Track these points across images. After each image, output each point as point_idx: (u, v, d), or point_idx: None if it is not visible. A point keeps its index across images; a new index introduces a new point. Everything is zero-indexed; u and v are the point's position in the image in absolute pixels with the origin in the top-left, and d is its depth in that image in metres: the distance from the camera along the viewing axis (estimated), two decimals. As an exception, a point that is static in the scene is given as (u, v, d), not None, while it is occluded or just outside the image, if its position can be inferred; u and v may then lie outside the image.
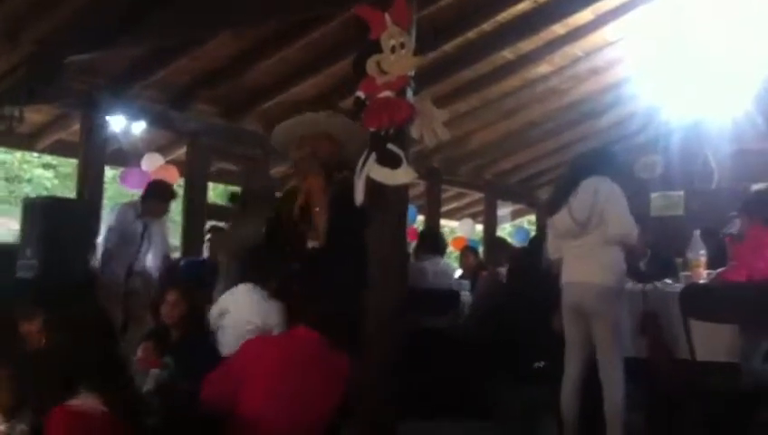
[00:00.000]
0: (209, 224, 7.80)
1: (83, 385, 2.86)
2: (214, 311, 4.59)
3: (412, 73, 4.49)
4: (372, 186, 4.33)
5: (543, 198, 11.89)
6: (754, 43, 7.27)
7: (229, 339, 4.33)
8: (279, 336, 4.00)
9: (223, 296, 4.66)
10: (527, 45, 7.73)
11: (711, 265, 4.79)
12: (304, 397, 3.20)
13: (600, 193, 4.07)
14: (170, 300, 4.72)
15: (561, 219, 4.21)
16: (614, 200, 4.07)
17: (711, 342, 4.01)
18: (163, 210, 6.55)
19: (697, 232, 4.88)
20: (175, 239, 8.47)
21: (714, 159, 9.71)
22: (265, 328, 4.33)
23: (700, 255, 4.73)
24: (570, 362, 4.24)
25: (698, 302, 3.93)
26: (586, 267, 4.10)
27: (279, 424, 3.14)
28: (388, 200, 4.33)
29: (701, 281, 4.57)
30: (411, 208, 10.32)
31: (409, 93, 4.45)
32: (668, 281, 4.75)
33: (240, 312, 4.45)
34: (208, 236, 7.29)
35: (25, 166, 14.23)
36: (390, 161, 4.26)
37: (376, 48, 4.41)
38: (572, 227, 4.14)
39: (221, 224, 7.85)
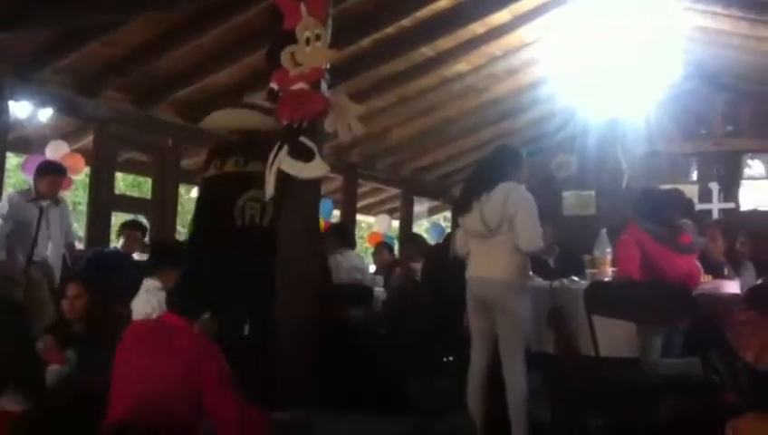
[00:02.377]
0: (125, 218, 7.60)
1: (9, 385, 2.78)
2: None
3: (327, 66, 4.45)
4: (283, 178, 4.27)
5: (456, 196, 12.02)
6: (666, 47, 7.48)
7: None
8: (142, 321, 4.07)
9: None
10: (446, 43, 7.77)
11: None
12: (140, 377, 3.29)
13: (510, 201, 4.09)
14: (71, 293, 4.59)
15: (471, 220, 4.22)
16: (525, 210, 4.09)
17: (614, 337, 4.10)
18: (54, 190, 6.28)
19: (604, 231, 4.97)
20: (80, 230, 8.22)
21: (625, 160, 9.97)
22: None
23: (606, 253, 4.84)
24: (475, 354, 4.28)
25: (600, 299, 4.01)
26: (491, 263, 4.14)
27: (123, 403, 3.29)
28: (299, 193, 4.28)
29: (606, 278, 4.67)
30: (327, 203, 10.27)
31: (324, 86, 4.40)
32: (575, 278, 4.83)
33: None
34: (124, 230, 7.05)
35: None
36: (302, 154, 4.22)
37: (290, 39, 4.35)
38: (482, 230, 4.16)
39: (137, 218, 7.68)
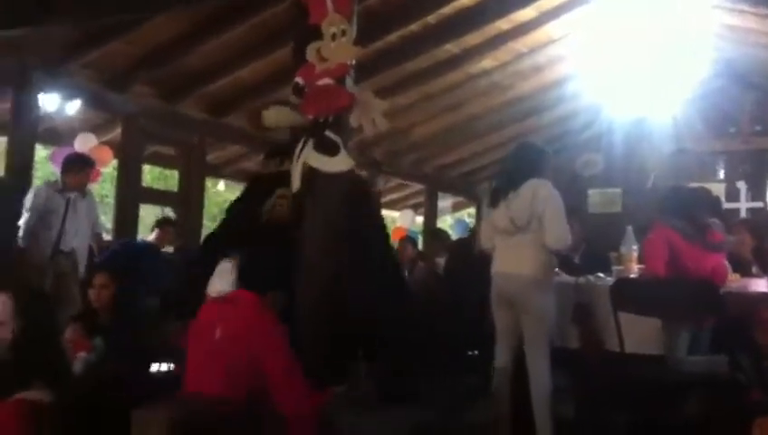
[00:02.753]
0: (162, 215, 7.73)
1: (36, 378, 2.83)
2: None
3: (353, 62, 4.45)
4: (309, 172, 4.29)
5: (483, 192, 12.00)
6: (694, 44, 7.42)
7: None
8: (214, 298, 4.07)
9: None
10: (471, 40, 7.75)
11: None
12: (209, 350, 3.42)
13: (538, 199, 4.10)
14: (98, 283, 4.66)
15: (499, 216, 4.24)
16: (553, 208, 4.11)
17: (639, 334, 4.08)
18: (82, 182, 6.37)
19: (629, 228, 4.95)
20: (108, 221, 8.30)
21: (652, 159, 9.89)
22: None
23: (632, 250, 4.82)
24: (500, 350, 4.29)
25: (626, 295, 4.00)
26: (517, 259, 4.16)
27: (195, 376, 3.45)
28: (325, 187, 4.29)
29: (632, 275, 4.65)
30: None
31: (349, 82, 4.41)
32: (601, 274, 4.82)
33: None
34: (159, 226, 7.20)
35: (-46, 143, 13.75)
36: (328, 148, 4.23)
37: (316, 34, 4.36)
38: (510, 226, 4.17)
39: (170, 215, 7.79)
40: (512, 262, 4.18)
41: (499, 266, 4.27)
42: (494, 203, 4.29)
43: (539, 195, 4.11)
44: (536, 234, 4.10)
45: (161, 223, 7.39)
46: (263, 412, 3.35)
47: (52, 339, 3.33)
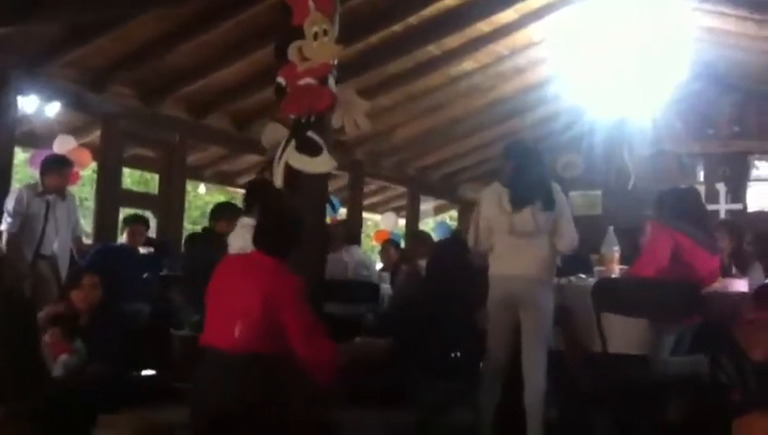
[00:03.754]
0: (128, 213, 7.62)
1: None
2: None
3: (335, 62, 4.44)
4: (291, 172, 4.27)
5: (466, 194, 12.03)
6: (674, 47, 7.46)
7: None
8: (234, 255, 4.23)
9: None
10: (452, 41, 7.76)
11: (625, 262, 4.89)
12: (229, 306, 3.49)
13: (558, 204, 4.20)
14: (87, 284, 4.59)
15: (522, 220, 4.18)
16: (567, 213, 4.26)
17: (622, 335, 4.09)
18: (61, 183, 6.28)
19: (611, 229, 4.96)
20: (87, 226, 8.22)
21: (632, 160, 9.95)
22: None
23: (613, 250, 4.82)
24: (495, 351, 4.25)
25: (608, 296, 4.01)
26: (521, 261, 4.15)
27: (214, 330, 3.52)
28: (306, 187, 4.28)
29: (613, 276, 4.66)
30: (335, 200, 10.27)
31: (331, 81, 4.40)
32: (582, 276, 4.83)
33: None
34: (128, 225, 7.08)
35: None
36: (310, 149, 4.22)
37: (298, 34, 4.34)
38: (533, 230, 4.16)
39: (140, 212, 7.70)
40: (516, 264, 4.16)
41: (502, 269, 4.23)
42: (518, 207, 4.20)
43: (558, 200, 4.20)
44: (547, 236, 4.18)
45: (130, 221, 7.17)
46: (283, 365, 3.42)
47: (29, 345, 3.26)
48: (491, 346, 4.27)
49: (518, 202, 4.20)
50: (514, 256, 4.18)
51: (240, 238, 4.52)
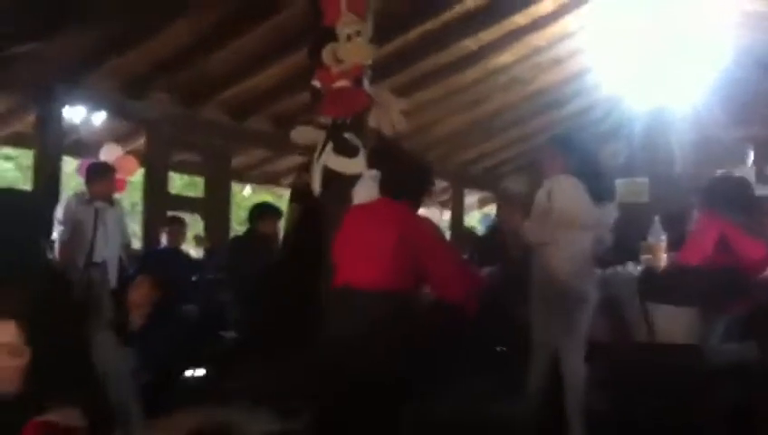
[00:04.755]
0: (169, 214, 7.71)
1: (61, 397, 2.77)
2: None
3: (369, 62, 4.46)
4: (329, 175, 4.31)
5: (509, 187, 11.95)
6: (716, 30, 7.33)
7: None
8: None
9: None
10: (489, 35, 7.73)
11: (674, 249, 4.81)
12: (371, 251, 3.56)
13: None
14: (141, 287, 4.66)
15: (606, 216, 4.19)
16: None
17: (670, 324, 4.04)
18: (107, 190, 6.34)
19: (658, 218, 4.90)
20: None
21: (676, 147, 9.79)
22: None
23: (660, 240, 4.76)
24: (539, 348, 4.20)
25: (654, 285, 3.96)
26: (573, 255, 4.07)
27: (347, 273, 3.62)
28: (346, 189, 4.30)
29: (660, 265, 4.60)
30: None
31: (366, 82, 4.42)
32: (630, 265, 4.77)
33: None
34: (165, 228, 7.20)
35: (-16, 158, 14.00)
36: (347, 151, 4.24)
37: (330, 36, 4.36)
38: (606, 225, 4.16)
39: (177, 214, 7.81)
40: (573, 258, 4.07)
41: (557, 264, 4.10)
42: (601, 200, 4.17)
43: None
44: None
45: (169, 222, 7.25)
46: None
47: (83, 355, 3.30)
48: (536, 341, 4.21)
49: (605, 195, 4.18)
50: (567, 251, 4.06)
51: (366, 189, 4.43)
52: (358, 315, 3.48)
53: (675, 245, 4.86)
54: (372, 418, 3.37)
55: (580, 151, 4.25)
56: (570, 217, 4.07)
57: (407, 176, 3.76)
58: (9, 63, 6.27)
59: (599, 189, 4.11)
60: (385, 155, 4.29)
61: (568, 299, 4.03)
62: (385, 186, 3.75)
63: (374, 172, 4.42)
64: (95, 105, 7.41)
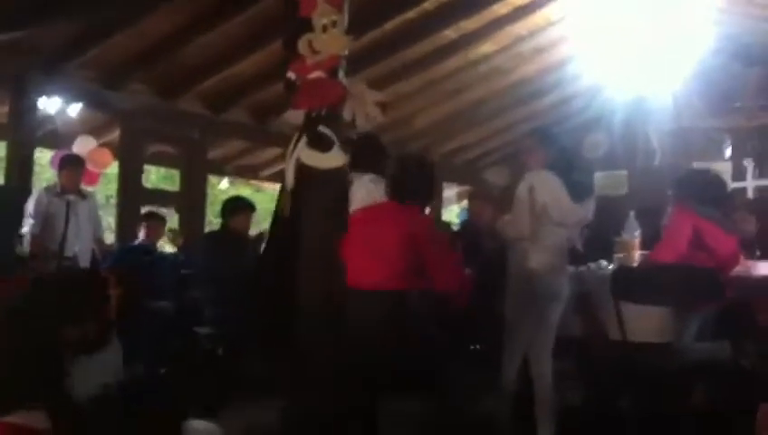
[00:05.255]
0: (146, 209, 7.62)
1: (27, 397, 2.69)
2: None
3: (345, 53, 4.38)
4: (303, 169, 4.23)
5: (490, 178, 11.91)
6: (693, 21, 7.31)
7: None
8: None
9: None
10: (470, 25, 7.67)
11: (649, 244, 4.78)
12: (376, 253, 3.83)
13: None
14: (108, 281, 4.61)
15: (588, 210, 4.23)
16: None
17: (642, 323, 4.01)
18: (75, 181, 6.32)
19: (632, 213, 4.87)
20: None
21: (655, 138, 9.79)
22: None
23: (634, 236, 4.73)
24: (513, 344, 4.18)
25: (628, 284, 3.93)
26: (546, 250, 4.07)
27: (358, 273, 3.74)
28: (321, 184, 4.23)
29: (634, 263, 4.57)
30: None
31: (341, 74, 4.34)
32: (603, 262, 4.74)
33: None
34: (143, 222, 7.10)
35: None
36: (321, 144, 4.16)
37: (306, 27, 4.27)
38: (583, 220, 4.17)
39: (156, 209, 7.72)
40: (545, 253, 4.07)
41: (534, 259, 4.09)
42: (581, 198, 4.16)
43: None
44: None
45: (147, 217, 7.17)
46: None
47: (48, 356, 3.22)
48: (510, 337, 4.20)
49: (583, 192, 4.16)
50: (543, 247, 4.07)
51: (367, 192, 4.56)
52: (374, 315, 3.69)
53: (650, 240, 4.83)
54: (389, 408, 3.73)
55: (561, 146, 4.24)
56: (551, 213, 4.07)
57: (415, 181, 3.98)
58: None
59: (579, 185, 4.12)
60: (394, 161, 4.46)
61: (541, 295, 4.03)
62: (393, 190, 3.98)
63: (371, 176, 4.57)
64: (71, 96, 7.31)
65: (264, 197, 13.62)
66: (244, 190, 12.89)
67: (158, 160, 9.56)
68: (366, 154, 4.88)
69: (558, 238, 4.09)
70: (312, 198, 4.13)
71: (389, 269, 3.74)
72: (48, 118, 7.58)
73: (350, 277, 3.71)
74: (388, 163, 4.66)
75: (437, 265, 3.79)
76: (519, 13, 7.65)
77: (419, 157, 4.71)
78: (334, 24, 4.29)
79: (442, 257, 3.85)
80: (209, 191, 9.65)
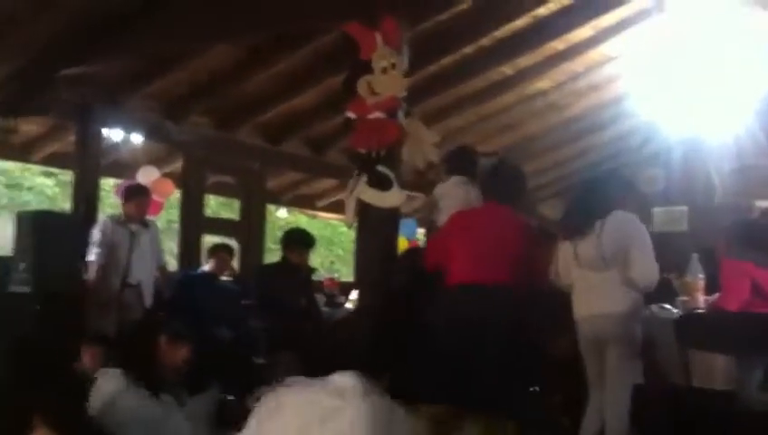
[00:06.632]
0: (215, 240, 7.77)
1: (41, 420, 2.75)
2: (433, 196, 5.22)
3: (403, 94, 4.46)
4: (363, 206, 4.31)
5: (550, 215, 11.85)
6: (756, 58, 7.21)
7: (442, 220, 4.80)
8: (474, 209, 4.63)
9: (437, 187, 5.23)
10: (526, 61, 7.68)
11: (711, 286, 4.69)
12: (491, 251, 4.02)
13: (626, 233, 3.87)
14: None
15: (586, 250, 3.94)
16: (642, 245, 3.87)
17: (707, 369, 3.94)
18: (141, 211, 6.40)
19: (695, 256, 4.79)
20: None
21: (715, 175, 9.64)
22: None
23: (698, 278, 4.65)
24: (593, 392, 4.07)
25: (693, 331, 3.85)
26: (603, 298, 3.90)
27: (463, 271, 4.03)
28: (377, 222, 4.30)
29: (698, 307, 4.49)
30: (411, 223, 10.25)
31: (400, 114, 4.42)
32: (666, 306, 4.65)
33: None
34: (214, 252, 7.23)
35: (26, 174, 14.18)
36: (380, 183, 4.24)
37: (366, 68, 4.38)
38: (598, 261, 3.90)
39: (226, 241, 7.85)
40: (598, 302, 3.91)
41: (586, 309, 3.97)
42: (578, 236, 3.98)
43: (627, 230, 3.87)
44: (620, 269, 3.84)
45: (215, 250, 7.26)
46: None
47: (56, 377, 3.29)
48: (590, 386, 4.07)
49: (574, 230, 4.00)
50: (592, 294, 3.92)
51: (464, 192, 4.93)
52: (496, 309, 3.86)
53: (713, 281, 4.73)
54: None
55: (589, 190, 4.18)
56: (564, 255, 4.09)
57: (512, 184, 4.27)
58: (54, 85, 6.41)
59: (570, 223, 4.14)
60: (492, 166, 4.78)
61: (606, 340, 3.92)
62: (493, 192, 4.24)
63: (465, 178, 4.99)
64: (134, 127, 7.51)
65: (319, 224, 13.77)
66: (301, 218, 13.06)
67: (218, 190, 9.74)
68: (460, 160, 5.25)
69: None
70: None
71: (508, 265, 3.94)
72: (112, 147, 7.79)
73: (461, 274, 3.97)
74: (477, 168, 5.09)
75: (539, 262, 4.07)
76: (576, 49, 7.64)
77: (514, 163, 4.97)
78: (393, 66, 4.39)
79: (543, 255, 4.10)
80: (267, 218, 9.78)
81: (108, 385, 3.47)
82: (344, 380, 2.33)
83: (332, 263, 15.94)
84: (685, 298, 4.62)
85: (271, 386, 3.62)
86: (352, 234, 9.06)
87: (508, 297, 3.91)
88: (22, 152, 8.40)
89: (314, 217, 12.76)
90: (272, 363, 5.61)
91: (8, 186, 14.36)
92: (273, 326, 5.71)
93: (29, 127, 7.73)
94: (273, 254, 9.44)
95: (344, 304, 7.33)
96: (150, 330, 3.93)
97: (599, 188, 4.11)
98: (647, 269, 3.84)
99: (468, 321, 3.87)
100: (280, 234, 7.90)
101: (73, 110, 7.08)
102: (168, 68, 6.86)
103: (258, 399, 3.45)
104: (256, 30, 5.65)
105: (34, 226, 6.30)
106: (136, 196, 6.47)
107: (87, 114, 7.08)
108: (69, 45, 5.86)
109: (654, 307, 4.54)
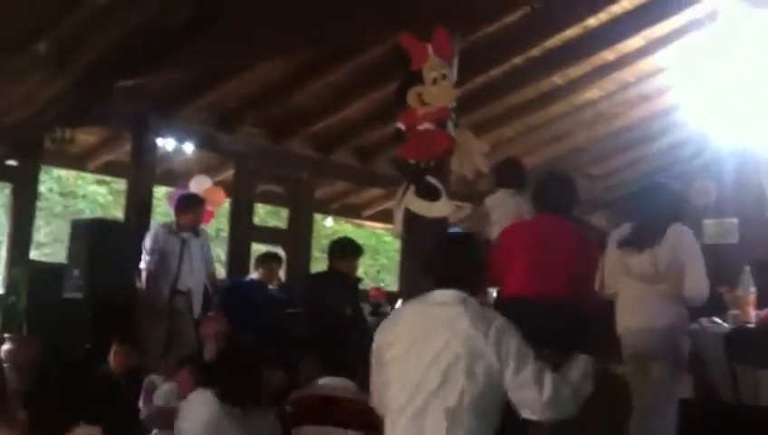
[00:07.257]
0: (265, 249, 7.86)
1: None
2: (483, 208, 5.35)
3: (453, 105, 4.49)
4: (410, 216, 4.34)
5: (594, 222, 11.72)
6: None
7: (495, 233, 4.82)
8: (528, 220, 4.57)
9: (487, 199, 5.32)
10: (576, 71, 7.66)
11: (763, 299, 4.62)
12: (548, 262, 3.91)
13: (683, 246, 3.86)
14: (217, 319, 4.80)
15: (640, 261, 3.93)
16: (695, 259, 3.85)
17: (758, 385, 3.87)
18: (194, 221, 6.49)
19: (747, 268, 4.72)
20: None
21: (767, 188, 9.45)
22: None
23: (750, 292, 4.58)
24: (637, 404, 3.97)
25: (743, 346, 3.80)
26: (646, 311, 3.88)
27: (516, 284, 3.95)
28: (425, 232, 4.32)
29: (749, 321, 4.42)
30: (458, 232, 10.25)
31: (450, 125, 4.45)
32: (716, 320, 4.59)
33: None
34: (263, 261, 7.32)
35: (80, 182, 14.48)
36: (429, 194, 4.27)
37: (417, 79, 4.42)
38: (652, 273, 3.88)
39: (275, 250, 7.95)
40: (642, 314, 3.89)
41: (631, 321, 3.95)
42: (635, 250, 3.97)
43: (683, 243, 3.86)
44: (674, 282, 3.82)
45: (263, 259, 7.35)
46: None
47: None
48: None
49: (633, 243, 3.97)
50: (638, 305, 3.90)
51: (514, 204, 4.97)
52: (556, 323, 3.64)
53: (764, 293, 4.65)
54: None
55: (646, 201, 4.15)
56: (612, 265, 4.11)
57: (565, 194, 4.14)
58: (110, 96, 6.59)
59: (632, 236, 4.05)
60: (543, 178, 4.64)
61: (650, 354, 3.88)
62: (545, 204, 4.11)
63: (513, 190, 5.02)
64: (186, 137, 7.66)
65: (364, 233, 13.82)
66: (346, 227, 13.11)
67: (267, 198, 9.85)
68: (507, 172, 5.27)
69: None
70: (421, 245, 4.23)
71: (566, 276, 3.83)
72: (165, 157, 7.95)
73: (522, 286, 3.86)
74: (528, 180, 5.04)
75: (593, 273, 4.00)
76: (627, 59, 7.58)
77: (566, 173, 4.81)
78: (444, 76, 4.43)
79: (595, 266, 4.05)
80: (314, 226, 9.86)
81: (204, 408, 3.56)
82: (444, 293, 2.82)
83: (378, 272, 16.00)
84: (735, 312, 4.54)
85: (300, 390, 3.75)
86: (397, 243, 9.13)
87: (568, 311, 3.73)
88: (78, 161, 8.62)
89: (360, 226, 12.81)
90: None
91: (62, 194, 14.67)
92: (318, 335, 5.75)
93: (85, 137, 7.93)
94: (318, 263, 9.52)
95: (389, 313, 7.34)
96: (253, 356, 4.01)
97: (657, 200, 4.09)
98: (697, 284, 3.82)
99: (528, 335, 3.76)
100: (325, 243, 7.98)
101: (129, 120, 7.26)
102: (221, 80, 7.00)
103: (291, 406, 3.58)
104: (312, 44, 5.74)
105: (88, 233, 6.50)
106: (191, 206, 6.54)
107: (142, 125, 7.25)
108: (126, 59, 6.02)
109: (703, 321, 4.48)
